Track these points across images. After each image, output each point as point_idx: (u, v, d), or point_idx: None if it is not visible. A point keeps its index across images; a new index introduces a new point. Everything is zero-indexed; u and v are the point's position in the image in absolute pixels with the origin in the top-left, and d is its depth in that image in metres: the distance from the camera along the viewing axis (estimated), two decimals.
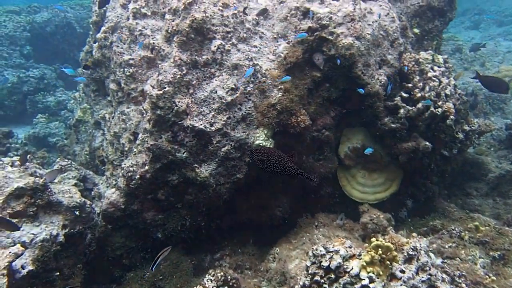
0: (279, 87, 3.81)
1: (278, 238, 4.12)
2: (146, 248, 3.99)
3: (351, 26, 3.76)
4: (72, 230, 3.24)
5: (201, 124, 3.58)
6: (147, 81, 3.99)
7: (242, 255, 3.86)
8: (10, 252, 2.49)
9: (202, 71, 3.69)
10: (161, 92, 3.52)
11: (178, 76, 3.57)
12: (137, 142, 3.87)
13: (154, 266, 2.79)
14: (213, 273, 3.04)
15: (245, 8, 3.85)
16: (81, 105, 6.12)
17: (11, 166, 3.47)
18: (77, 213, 3.33)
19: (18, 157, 4.20)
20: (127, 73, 3.99)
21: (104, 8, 4.70)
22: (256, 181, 4.14)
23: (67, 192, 3.47)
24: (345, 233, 3.57)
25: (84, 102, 6.15)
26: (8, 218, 2.69)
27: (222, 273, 2.88)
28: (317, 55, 3.90)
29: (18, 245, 2.60)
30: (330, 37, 3.72)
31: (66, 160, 4.62)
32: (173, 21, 3.71)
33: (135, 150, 3.87)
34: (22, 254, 2.56)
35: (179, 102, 3.57)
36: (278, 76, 3.82)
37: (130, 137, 4.04)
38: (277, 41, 3.93)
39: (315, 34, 3.78)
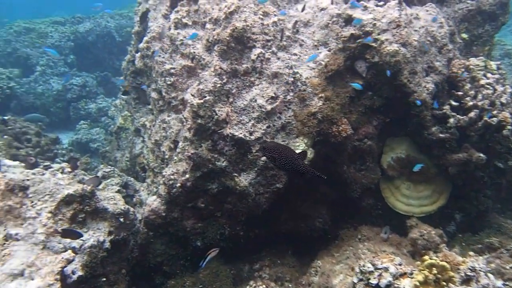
0: (320, 95, 3.75)
1: (318, 250, 4.04)
2: (186, 256, 4.05)
3: (397, 32, 3.64)
4: (117, 237, 3.36)
5: (241, 133, 3.60)
6: (187, 90, 4.08)
7: (282, 266, 3.82)
8: (62, 258, 2.62)
9: (242, 80, 3.72)
10: (201, 101, 3.58)
11: (219, 85, 3.62)
12: (178, 150, 3.96)
13: (204, 264, 2.88)
14: (254, 285, 3.02)
15: (281, 18, 3.85)
16: (122, 113, 6.38)
17: (61, 172, 3.66)
18: (121, 220, 3.44)
19: (67, 163, 4.44)
20: (168, 82, 4.10)
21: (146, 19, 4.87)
22: (295, 191, 4.10)
23: (111, 199, 3.60)
24: (392, 248, 3.43)
25: (125, 109, 6.40)
26: (72, 228, 2.84)
27: (264, 286, 2.86)
28: (359, 63, 3.81)
29: (70, 251, 2.73)
30: (373, 44, 3.63)
31: (109, 167, 4.82)
32: (213, 30, 3.78)
33: (175, 158, 3.97)
34: (73, 260, 2.69)
35: (219, 111, 3.62)
36: (318, 85, 3.77)
37: (170, 145, 4.14)
38: (318, 49, 3.89)
39: (358, 41, 3.69)
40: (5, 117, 5.72)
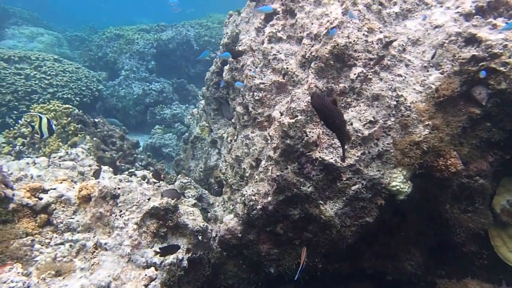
0: (426, 123, 3.37)
1: None
2: (257, 282, 3.91)
3: None
4: (194, 255, 3.32)
5: (331, 158, 3.37)
6: (275, 106, 3.98)
7: None
8: (146, 275, 2.62)
9: (338, 101, 3.50)
10: (293, 120, 3.43)
11: None
12: (260, 169, 3.86)
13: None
14: None
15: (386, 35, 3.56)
16: (200, 122, 6.55)
17: (147, 182, 3.76)
18: (199, 237, 3.41)
19: (151, 172, 4.60)
20: (256, 97, 4.05)
21: (237, 31, 4.93)
22: (384, 226, 3.74)
23: (191, 214, 3.59)
24: None
25: (203, 119, 6.56)
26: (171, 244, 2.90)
27: None
28: (478, 89, 3.36)
29: (153, 268, 2.74)
30: (501, 69, 3.16)
31: (187, 178, 4.90)
32: (311, 46, 3.63)
33: (256, 177, 3.87)
34: (155, 277, 2.68)
35: (310, 132, 3.44)
36: (425, 111, 3.40)
37: (252, 162, 4.06)
38: (427, 71, 3.52)
39: (481, 64, 3.25)
40: (96, 119, 6.20)
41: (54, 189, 3.41)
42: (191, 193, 4.76)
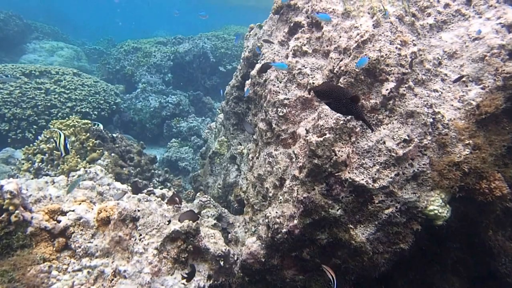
0: (466, 142, 3.16)
1: None
2: None
3: None
4: (215, 282, 3.17)
5: (362, 179, 3.19)
6: (300, 123, 3.84)
7: None
8: None
9: (368, 118, 3.33)
10: (321, 139, 3.28)
11: (341, 121, 3.29)
12: (284, 189, 3.70)
13: None
14: None
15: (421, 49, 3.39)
16: (218, 137, 6.46)
17: (166, 202, 3.65)
18: (221, 263, 3.25)
19: (169, 198, 4.50)
20: (280, 114, 3.92)
21: (258, 45, 4.85)
22: (420, 253, 3.51)
23: (212, 236, 3.45)
24: None
25: (221, 134, 6.47)
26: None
27: None
28: None
29: None
30: None
31: (206, 196, 4.78)
32: (340, 60, 3.49)
33: (281, 198, 3.71)
34: None
35: (339, 151, 3.27)
36: (465, 129, 3.19)
37: (275, 182, 3.91)
38: (466, 86, 3.32)
39: None
40: (115, 135, 6.19)
41: (73, 210, 3.34)
42: (210, 213, 4.62)
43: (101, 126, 5.73)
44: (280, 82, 4.07)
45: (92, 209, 3.49)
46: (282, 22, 4.56)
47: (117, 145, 6.11)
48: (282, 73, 4.07)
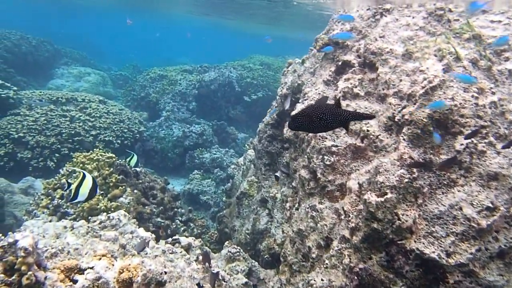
0: None
1: None
2: None
3: None
4: None
5: (433, 251, 2.68)
6: (351, 174, 3.40)
7: None
8: None
9: (438, 176, 2.87)
10: (382, 199, 2.82)
11: (406, 180, 2.83)
12: (331, 252, 3.22)
13: None
14: None
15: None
16: (247, 176, 6.06)
17: (196, 261, 3.22)
18: None
19: (195, 240, 4.08)
20: (327, 162, 3.50)
21: (299, 82, 4.52)
22: None
23: None
24: None
25: (251, 173, 6.08)
26: None
27: None
28: None
29: None
30: None
31: (235, 247, 4.33)
32: (402, 107, 3.08)
33: (327, 262, 3.22)
34: None
35: (403, 214, 2.80)
36: None
37: (320, 241, 3.43)
38: None
39: None
40: (138, 169, 5.89)
41: (92, 268, 2.95)
42: (240, 267, 4.15)
43: (135, 158, 5.43)
44: None
45: (113, 265, 3.10)
46: (328, 60, 4.23)
47: (140, 181, 5.79)
48: None
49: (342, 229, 3.24)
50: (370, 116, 2.12)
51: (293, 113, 2.13)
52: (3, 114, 8.32)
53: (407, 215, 2.80)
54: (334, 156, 3.50)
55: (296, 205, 4.01)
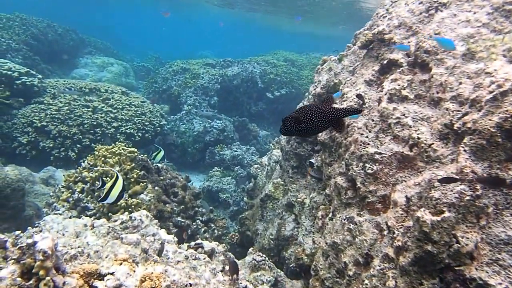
0: None
1: None
2: None
3: None
4: None
5: (499, 283, 2.34)
6: (396, 186, 3.08)
7: None
8: None
9: (505, 195, 2.51)
10: (438, 218, 2.49)
11: (467, 197, 2.50)
12: (372, 271, 2.92)
13: None
14: None
15: None
16: (273, 178, 5.79)
17: (222, 271, 2.99)
18: None
19: (219, 245, 3.85)
20: (369, 171, 3.19)
21: (335, 81, 4.20)
22: None
23: None
24: None
25: (276, 175, 5.80)
26: None
27: None
28: None
29: None
30: None
31: (260, 255, 4.08)
32: (462, 114, 2.74)
33: (366, 282, 2.92)
34: None
35: (462, 237, 2.46)
36: None
37: (358, 258, 3.13)
38: None
39: None
40: (159, 165, 5.71)
41: (112, 273, 2.75)
42: (266, 277, 3.90)
43: (162, 153, 5.24)
44: (370, 132, 3.36)
45: (135, 271, 2.89)
46: (371, 58, 3.90)
47: (161, 178, 5.60)
48: (374, 120, 3.37)
49: (385, 246, 2.93)
50: (359, 110, 2.05)
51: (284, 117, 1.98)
52: (27, 102, 8.32)
53: (467, 237, 2.47)
54: (377, 164, 3.18)
55: (330, 215, 3.71)
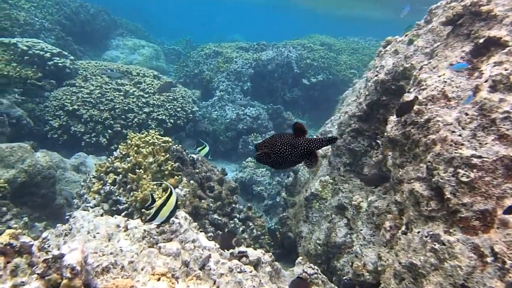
0: None
1: None
2: None
3: None
4: None
5: None
6: (504, 200, 2.45)
7: None
8: None
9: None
10: None
11: None
12: None
13: None
14: None
15: None
16: (319, 175, 5.23)
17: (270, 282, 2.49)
18: None
19: (265, 254, 3.39)
20: (463, 178, 2.56)
21: (406, 65, 3.55)
22: None
23: None
24: None
25: (324, 171, 5.23)
26: None
27: None
28: None
29: None
30: None
31: (312, 267, 3.57)
32: None
33: None
34: None
35: None
36: None
37: (447, 287, 2.55)
38: None
39: None
40: (195, 156, 5.28)
41: None
42: None
43: (207, 149, 4.79)
44: (464, 129, 2.72)
45: None
46: (460, 37, 3.20)
47: (197, 170, 5.18)
48: (468, 114, 2.72)
49: (489, 278, 2.33)
50: (335, 139, 1.80)
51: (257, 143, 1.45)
52: (59, 84, 8.12)
53: None
54: (474, 170, 2.56)
55: (403, 228, 3.12)
